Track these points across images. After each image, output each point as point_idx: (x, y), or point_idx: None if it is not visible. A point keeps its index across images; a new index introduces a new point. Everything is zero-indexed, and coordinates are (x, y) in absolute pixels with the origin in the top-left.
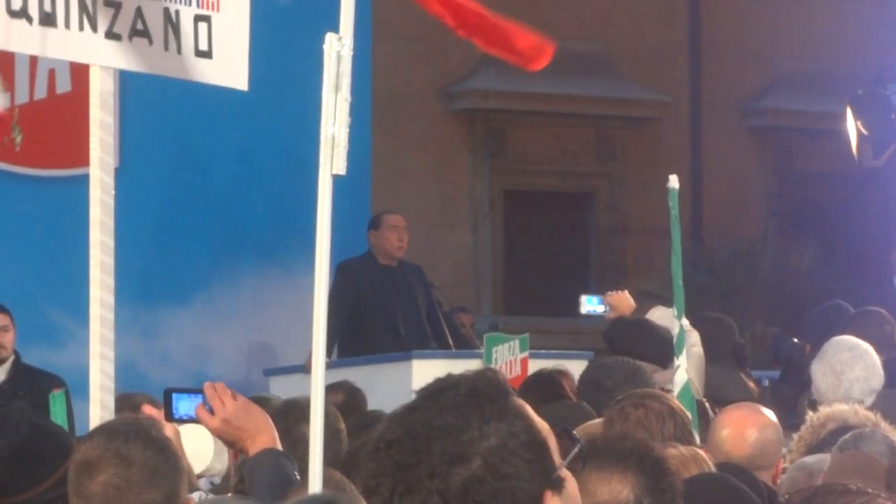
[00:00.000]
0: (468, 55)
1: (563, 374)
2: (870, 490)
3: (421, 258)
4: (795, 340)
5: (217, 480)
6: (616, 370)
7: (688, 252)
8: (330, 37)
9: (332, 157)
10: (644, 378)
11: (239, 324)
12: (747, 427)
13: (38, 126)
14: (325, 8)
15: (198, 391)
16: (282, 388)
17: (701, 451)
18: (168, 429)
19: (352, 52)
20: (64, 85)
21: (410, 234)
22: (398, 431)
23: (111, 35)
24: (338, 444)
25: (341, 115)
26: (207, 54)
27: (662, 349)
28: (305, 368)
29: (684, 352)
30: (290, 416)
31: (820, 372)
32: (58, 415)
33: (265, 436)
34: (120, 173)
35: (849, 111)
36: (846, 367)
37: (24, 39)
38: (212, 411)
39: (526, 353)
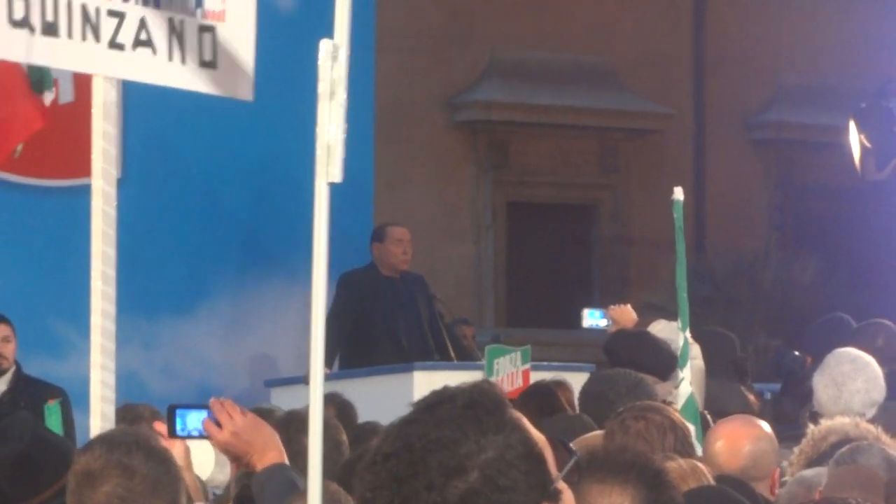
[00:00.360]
0: (472, 66)
1: (560, 385)
2: None
3: (423, 269)
4: (797, 353)
5: (219, 492)
6: (618, 382)
7: (690, 264)
8: (324, 43)
9: (328, 164)
10: (646, 390)
11: (241, 334)
12: (741, 439)
13: (40, 136)
14: (328, 17)
15: (203, 406)
16: (283, 399)
17: (700, 464)
18: (178, 445)
19: (347, 59)
20: (66, 95)
21: (413, 245)
22: (395, 444)
23: (114, 45)
24: (339, 456)
25: (337, 122)
26: (212, 65)
27: (662, 361)
28: (305, 379)
29: (688, 364)
30: (292, 427)
31: (821, 384)
32: (53, 425)
33: (273, 451)
34: (123, 184)
35: (852, 124)
36: (847, 379)
37: (25, 49)
38: (219, 425)
39: (527, 366)
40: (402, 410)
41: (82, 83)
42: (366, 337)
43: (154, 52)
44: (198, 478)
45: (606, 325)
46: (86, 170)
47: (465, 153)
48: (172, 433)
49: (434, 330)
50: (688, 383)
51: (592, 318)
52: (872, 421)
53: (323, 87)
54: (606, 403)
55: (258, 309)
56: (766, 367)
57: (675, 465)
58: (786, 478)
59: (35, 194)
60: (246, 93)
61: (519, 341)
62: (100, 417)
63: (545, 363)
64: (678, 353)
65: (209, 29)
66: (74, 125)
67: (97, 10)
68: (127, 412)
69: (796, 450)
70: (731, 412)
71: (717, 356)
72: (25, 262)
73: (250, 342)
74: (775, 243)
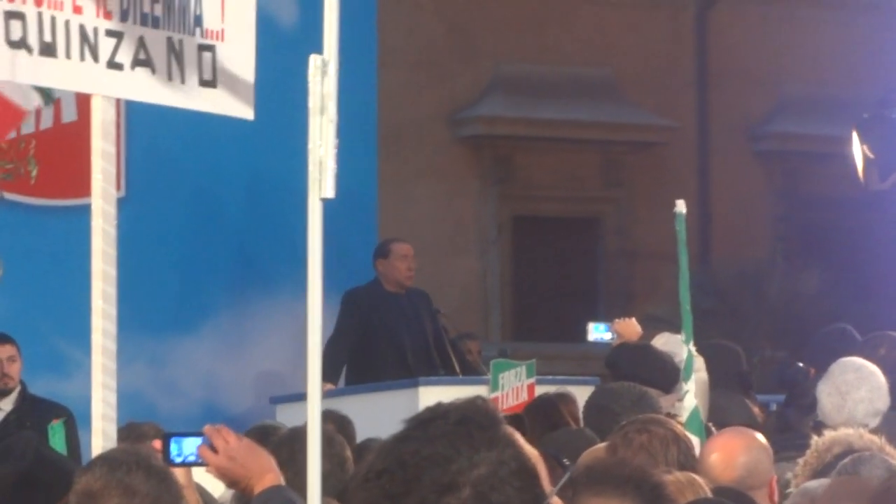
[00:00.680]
0: (475, 82)
1: (564, 398)
2: None
3: (429, 284)
4: (800, 364)
5: None
6: (622, 395)
7: (695, 276)
8: (314, 58)
9: (321, 180)
10: (650, 403)
11: (246, 352)
12: (735, 450)
13: (44, 156)
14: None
15: (198, 433)
16: (289, 416)
17: (698, 477)
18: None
19: (337, 74)
20: (70, 114)
21: (418, 261)
22: (388, 461)
23: (113, 65)
24: (343, 473)
25: (328, 138)
26: (212, 84)
27: (664, 374)
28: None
29: (693, 377)
30: (297, 443)
31: (825, 392)
32: (57, 445)
33: (271, 474)
34: (126, 202)
35: (854, 135)
36: (851, 388)
37: (24, 69)
38: (215, 451)
39: (533, 380)
40: None
41: (85, 102)
42: (370, 353)
43: (153, 71)
44: (204, 493)
45: (611, 339)
46: (88, 189)
47: (469, 168)
48: (168, 460)
49: (439, 345)
50: (692, 396)
51: (597, 332)
52: (875, 431)
53: (313, 103)
54: (610, 416)
55: (262, 326)
56: (771, 378)
57: (673, 479)
58: (790, 489)
59: (39, 214)
60: (246, 111)
61: (525, 355)
62: (101, 436)
63: (550, 377)
64: (682, 365)
65: (209, 48)
66: (78, 144)
67: (95, 30)
68: (131, 431)
69: (801, 461)
70: (736, 425)
71: (721, 368)
72: (30, 281)
73: (255, 359)
74: (779, 254)
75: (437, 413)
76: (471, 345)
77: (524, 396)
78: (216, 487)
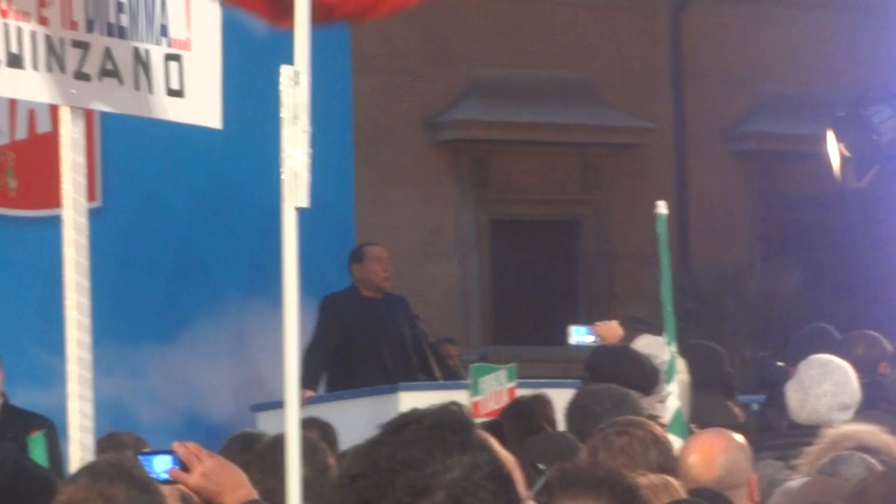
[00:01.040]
0: (450, 86)
1: (540, 401)
2: None
3: (408, 290)
4: (779, 364)
5: None
6: (604, 397)
7: (675, 278)
8: (285, 69)
9: (296, 189)
10: (632, 404)
11: (225, 360)
12: (713, 450)
13: (21, 167)
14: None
15: (167, 451)
16: (270, 424)
17: (672, 480)
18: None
19: (309, 84)
20: (44, 125)
21: (397, 266)
22: (362, 465)
23: (80, 76)
24: (326, 480)
25: (301, 147)
26: (179, 93)
27: (644, 376)
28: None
29: (675, 379)
30: (280, 452)
31: (791, 388)
32: (38, 456)
33: (244, 489)
34: (102, 212)
35: (830, 133)
36: (814, 383)
37: (21, 85)
38: (185, 469)
39: (513, 383)
40: None
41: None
42: (349, 359)
43: (121, 81)
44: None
45: (593, 342)
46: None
47: (446, 173)
48: None
49: (418, 350)
50: (675, 398)
51: (579, 335)
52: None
53: (286, 113)
54: (592, 418)
55: (241, 334)
56: (752, 378)
57: (647, 481)
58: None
59: (15, 225)
60: (214, 120)
61: (506, 359)
62: (79, 447)
63: (531, 380)
64: (664, 367)
65: (175, 58)
66: (53, 155)
67: (61, 41)
68: (111, 441)
69: (806, 453)
70: (717, 426)
71: (702, 370)
72: (8, 292)
73: (235, 367)
74: (759, 254)
75: (411, 418)
76: (451, 349)
77: (505, 401)
78: None
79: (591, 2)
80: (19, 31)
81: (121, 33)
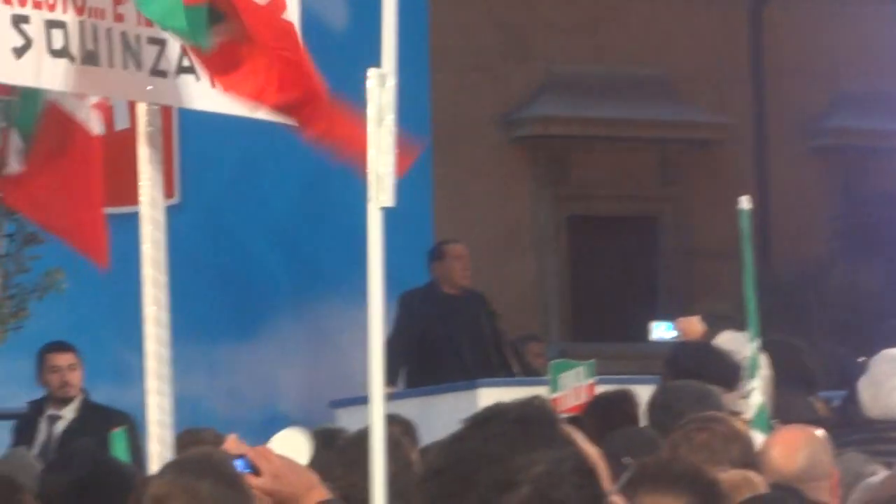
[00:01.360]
0: (528, 82)
1: (624, 397)
2: None
3: (486, 287)
4: (860, 360)
5: None
6: (684, 393)
7: (755, 274)
8: (372, 72)
9: (380, 190)
10: (713, 401)
11: (303, 356)
12: (794, 444)
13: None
14: (378, 34)
15: (236, 455)
16: (349, 420)
17: (753, 475)
18: None
19: (395, 86)
20: (122, 122)
21: (474, 263)
22: (446, 460)
23: (157, 72)
24: (408, 475)
25: (386, 148)
26: None
27: (725, 371)
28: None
29: (758, 374)
30: (363, 447)
31: (863, 384)
32: (119, 452)
33: (317, 489)
34: (181, 209)
35: None
36: (885, 378)
37: (66, 78)
38: (256, 472)
39: (593, 380)
40: None
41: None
42: (429, 355)
43: (197, 77)
44: None
45: (674, 338)
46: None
47: (524, 169)
48: None
49: (496, 346)
50: (759, 394)
51: (660, 331)
52: None
53: (371, 114)
54: (673, 414)
55: (319, 330)
56: (833, 374)
57: (727, 477)
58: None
59: None
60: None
61: (584, 355)
62: (157, 442)
63: (611, 377)
64: (747, 363)
65: None
66: (131, 151)
67: (137, 38)
68: (190, 437)
69: None
70: (799, 422)
71: (784, 366)
72: (89, 290)
73: (313, 363)
74: (840, 250)
75: (495, 412)
76: (535, 346)
77: (584, 397)
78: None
79: None
80: (95, 28)
81: None
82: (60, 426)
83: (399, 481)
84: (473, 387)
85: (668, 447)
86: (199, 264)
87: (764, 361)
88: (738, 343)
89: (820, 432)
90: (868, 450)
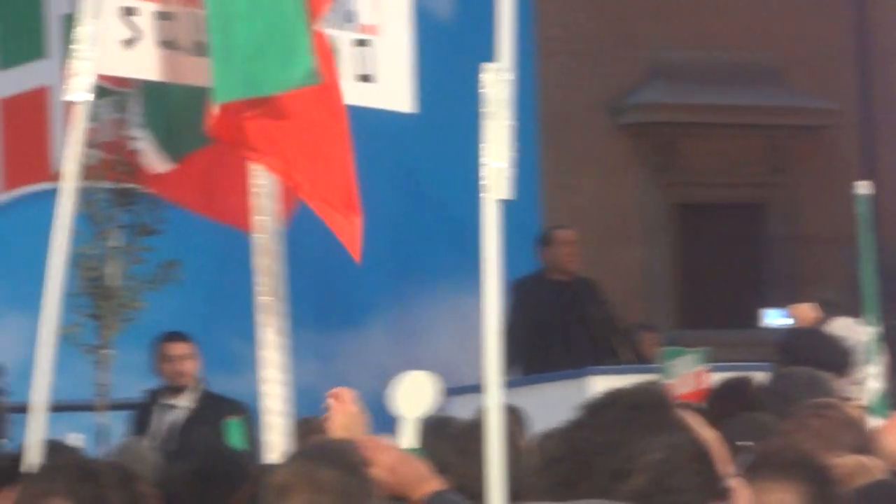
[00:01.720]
0: (635, 69)
1: (746, 382)
2: None
3: (594, 274)
4: None
5: None
6: (797, 379)
7: (873, 260)
8: (488, 66)
9: (497, 182)
10: (825, 387)
11: (414, 345)
12: None
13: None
14: (488, 27)
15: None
16: (459, 408)
17: (868, 461)
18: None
19: (511, 81)
20: None
21: (582, 250)
22: (562, 449)
23: None
24: (520, 463)
25: (503, 141)
26: (370, 78)
27: (837, 357)
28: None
29: (877, 360)
30: (477, 435)
31: None
32: (236, 441)
33: (431, 480)
34: None
35: None
36: None
37: (175, 69)
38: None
39: (704, 367)
40: None
41: None
42: (539, 342)
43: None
44: None
45: (787, 324)
46: None
47: (631, 156)
48: None
49: (607, 333)
50: (877, 380)
51: (773, 318)
52: None
53: (488, 108)
54: (786, 401)
55: (428, 318)
56: None
57: (842, 463)
58: None
59: None
60: (406, 104)
61: (694, 343)
62: (276, 432)
63: (722, 363)
64: (866, 348)
65: (364, 42)
66: None
67: None
68: (306, 426)
69: None
70: None
71: None
72: (203, 280)
73: (422, 352)
74: None
75: (610, 399)
76: (650, 336)
77: (696, 384)
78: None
79: None
80: (204, 19)
81: None
82: (176, 415)
83: (510, 469)
84: (583, 374)
85: (782, 434)
86: (310, 254)
87: (883, 348)
88: (851, 329)
89: None
90: None
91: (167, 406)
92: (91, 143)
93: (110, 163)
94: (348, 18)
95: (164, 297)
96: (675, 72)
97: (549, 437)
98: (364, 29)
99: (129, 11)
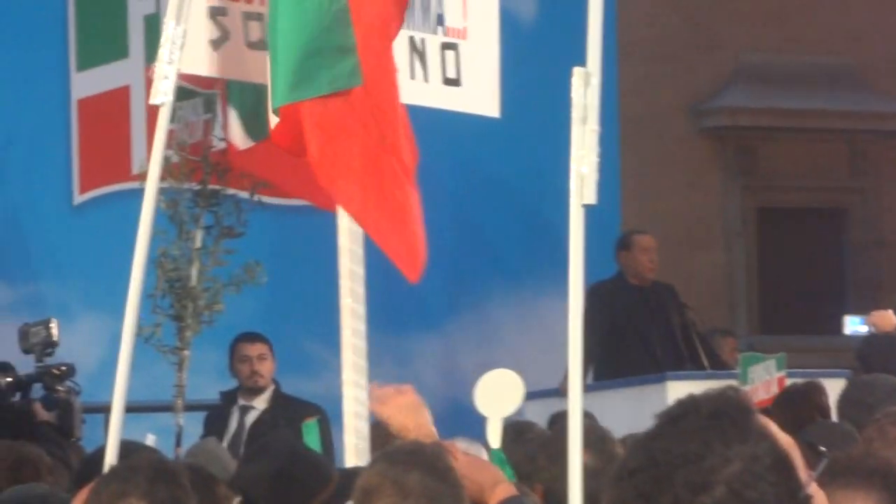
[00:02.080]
0: (716, 72)
1: (815, 389)
2: None
3: (673, 278)
4: None
5: None
6: (877, 387)
7: None
8: (577, 71)
9: (583, 187)
10: None
11: (489, 348)
12: None
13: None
14: (570, 32)
15: None
16: (536, 413)
17: None
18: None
19: (599, 86)
20: None
21: (661, 254)
22: (640, 459)
23: None
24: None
25: (590, 147)
26: (456, 82)
27: None
28: (561, 391)
29: None
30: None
31: None
32: (312, 443)
33: (504, 484)
34: None
35: None
36: None
37: (263, 70)
38: None
39: (783, 373)
40: None
41: None
42: (618, 347)
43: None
44: None
45: (868, 332)
46: None
47: (711, 160)
48: None
49: (686, 339)
50: None
51: (853, 325)
52: None
53: (576, 114)
54: (865, 409)
55: (506, 322)
56: None
57: None
58: None
59: (285, 215)
60: (492, 109)
61: (773, 349)
62: (353, 434)
63: (800, 370)
64: None
65: (452, 46)
66: None
67: None
68: (380, 429)
69: None
70: None
71: None
72: (281, 282)
73: (499, 355)
74: None
75: (688, 407)
76: (730, 342)
77: (774, 390)
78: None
79: None
80: None
81: None
82: (251, 417)
83: (602, 475)
84: (662, 380)
85: (862, 442)
86: (385, 257)
87: None
88: None
89: None
90: None
91: (243, 407)
92: (176, 144)
93: (195, 164)
94: (438, 22)
95: (239, 298)
96: (757, 75)
97: (625, 444)
98: (451, 32)
99: (217, 12)
